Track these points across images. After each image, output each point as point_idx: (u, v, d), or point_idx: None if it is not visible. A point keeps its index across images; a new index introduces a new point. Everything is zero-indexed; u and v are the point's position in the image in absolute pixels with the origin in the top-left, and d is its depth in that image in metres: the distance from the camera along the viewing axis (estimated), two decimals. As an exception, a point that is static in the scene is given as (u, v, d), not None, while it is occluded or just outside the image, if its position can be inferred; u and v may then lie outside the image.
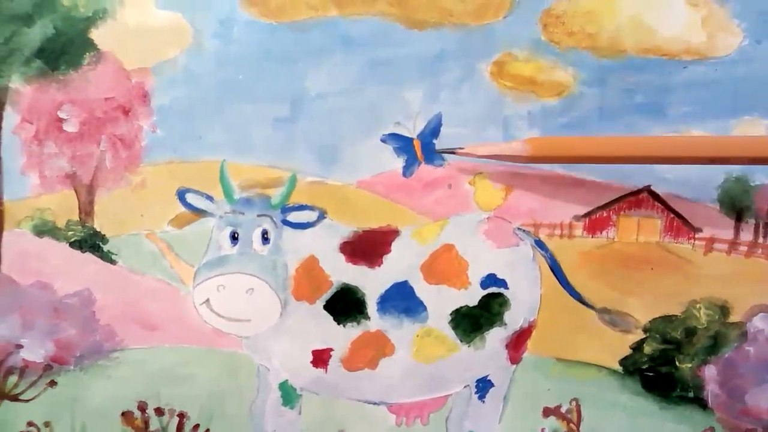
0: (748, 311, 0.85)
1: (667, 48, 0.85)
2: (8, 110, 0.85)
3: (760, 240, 0.86)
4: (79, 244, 0.85)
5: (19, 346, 0.84)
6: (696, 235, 0.86)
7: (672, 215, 0.86)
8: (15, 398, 0.84)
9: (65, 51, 0.84)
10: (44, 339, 0.85)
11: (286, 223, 0.83)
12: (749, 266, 0.85)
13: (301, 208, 0.84)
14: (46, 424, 0.83)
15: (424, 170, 0.86)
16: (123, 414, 0.84)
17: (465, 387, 0.85)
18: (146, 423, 0.84)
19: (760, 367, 0.84)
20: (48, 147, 0.85)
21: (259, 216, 0.82)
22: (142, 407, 0.84)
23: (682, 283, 0.85)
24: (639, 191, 0.86)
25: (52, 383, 0.84)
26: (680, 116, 0.85)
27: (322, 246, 0.84)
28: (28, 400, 0.84)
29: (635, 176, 0.85)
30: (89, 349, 0.85)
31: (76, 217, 0.85)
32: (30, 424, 0.83)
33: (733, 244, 0.86)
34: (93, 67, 0.85)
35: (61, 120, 0.85)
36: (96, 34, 0.85)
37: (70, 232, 0.85)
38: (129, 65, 0.85)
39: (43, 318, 0.84)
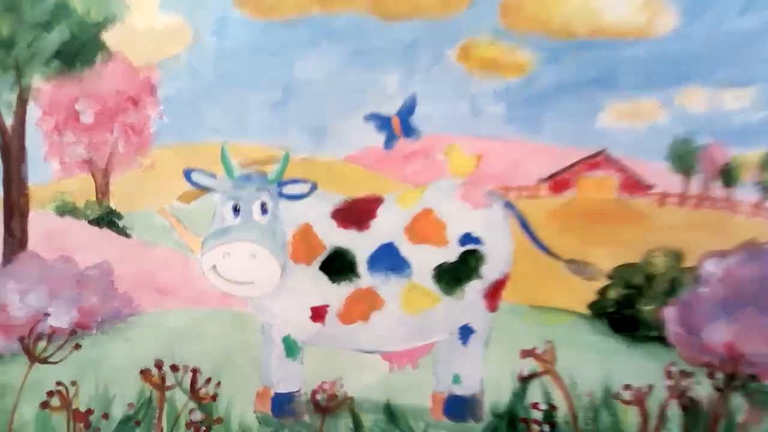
0: (700, 257, 0.90)
1: (614, 29, 0.93)
2: (31, 105, 0.92)
3: (707, 193, 0.93)
4: (97, 222, 0.92)
5: (47, 314, 0.90)
6: (649, 191, 0.93)
7: (627, 174, 0.93)
8: (44, 361, 0.89)
9: (80, 52, 0.92)
10: (69, 307, 0.90)
11: (282, 195, 0.88)
12: (699, 216, 0.92)
13: (295, 181, 0.89)
14: (73, 383, 0.88)
15: (403, 144, 0.92)
16: (142, 372, 0.88)
17: (449, 334, 0.90)
18: (163, 379, 0.88)
19: (714, 306, 0.89)
20: (67, 136, 0.93)
21: (257, 190, 0.88)
22: (159, 365, 0.88)
23: (639, 234, 0.91)
24: (596, 154, 0.93)
25: (77, 346, 0.89)
26: (629, 87, 0.92)
27: (316, 214, 0.90)
28: (56, 362, 0.89)
29: (592, 141, 0.92)
30: (109, 315, 0.91)
31: (93, 198, 0.93)
32: (59, 383, 0.87)
33: (683, 197, 0.93)
34: (105, 65, 0.92)
35: (77, 112, 0.92)
36: (107, 36, 0.93)
37: (89, 211, 0.92)
38: (137, 62, 0.93)
39: (67, 288, 0.90)
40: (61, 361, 0.90)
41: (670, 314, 0.91)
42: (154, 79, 0.91)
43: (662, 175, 0.93)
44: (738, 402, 0.89)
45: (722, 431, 0.89)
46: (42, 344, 0.90)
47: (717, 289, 0.90)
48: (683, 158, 0.93)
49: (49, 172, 0.91)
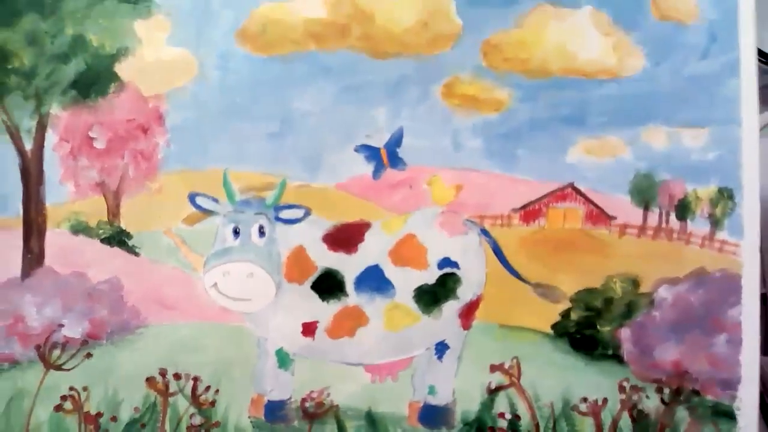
0: (654, 283, 0.96)
1: (586, 69, 0.97)
2: (49, 132, 0.96)
3: (664, 225, 0.98)
4: (109, 240, 0.96)
5: (61, 326, 0.95)
6: (611, 222, 0.98)
7: (592, 206, 0.97)
8: (59, 368, 0.94)
9: (95, 82, 0.96)
10: (81, 319, 0.95)
11: (278, 219, 0.94)
12: (655, 247, 0.97)
13: (291, 206, 0.94)
14: (84, 389, 0.94)
15: (390, 174, 0.97)
16: (147, 379, 0.94)
17: (426, 349, 0.96)
18: (166, 386, 0.94)
19: (665, 329, 0.96)
20: (81, 161, 0.96)
21: (256, 214, 0.93)
22: (163, 373, 0.94)
23: (601, 262, 0.97)
24: (564, 187, 0.97)
25: (89, 355, 0.94)
26: (598, 125, 0.97)
27: (308, 237, 0.95)
28: (69, 369, 0.94)
29: (561, 175, 0.97)
30: (118, 327, 0.95)
31: (105, 218, 0.96)
32: (71, 389, 0.93)
33: (642, 229, 0.98)
34: (117, 95, 0.96)
35: (91, 138, 0.96)
36: (119, 68, 0.96)
37: (101, 231, 0.96)
38: (147, 93, 0.96)
39: (80, 302, 0.95)
40: (73, 368, 0.95)
41: (625, 335, 0.97)
42: (162, 109, 0.94)
43: (624, 208, 0.97)
44: (682, 414, 0.95)
45: (667, 441, 0.95)
46: (56, 353, 0.95)
47: (668, 313, 0.96)
48: (644, 192, 0.97)
49: (64, 193, 0.94)
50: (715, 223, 0.97)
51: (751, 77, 0.98)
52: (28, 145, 0.95)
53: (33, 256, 0.95)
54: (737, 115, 0.97)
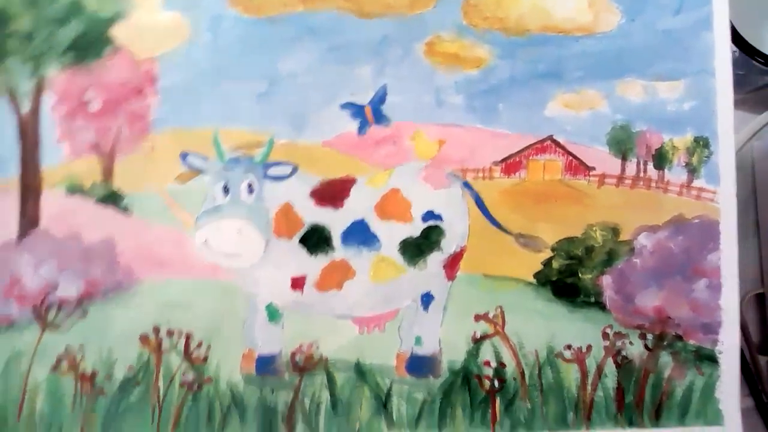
0: (634, 231, 0.91)
1: (562, 26, 0.91)
2: (45, 94, 0.90)
3: (642, 174, 0.91)
4: (103, 201, 0.90)
5: (57, 286, 0.89)
6: (590, 173, 0.92)
7: (571, 158, 0.92)
8: (55, 328, 0.88)
9: (91, 46, 0.90)
10: (77, 279, 0.89)
11: (266, 176, 0.88)
12: (634, 195, 0.92)
13: (279, 164, 0.89)
14: (80, 348, 0.87)
15: (375, 130, 0.91)
16: (141, 337, 0.87)
17: (412, 301, 0.90)
18: (159, 343, 0.87)
19: (645, 275, 0.90)
20: (77, 122, 0.90)
21: (245, 172, 0.88)
22: (156, 330, 0.87)
23: (581, 211, 0.91)
24: (544, 140, 0.91)
25: (84, 315, 0.88)
26: (574, 80, 0.91)
27: (296, 194, 0.89)
28: (65, 330, 0.88)
29: (540, 128, 0.91)
30: (112, 286, 0.89)
31: (99, 179, 0.90)
32: (67, 349, 0.87)
33: (620, 179, 0.92)
34: (111, 58, 0.90)
35: (87, 101, 0.90)
36: (114, 32, 0.90)
37: (95, 191, 0.90)
38: (140, 55, 0.90)
39: (75, 262, 0.89)
40: (69, 328, 0.89)
41: (607, 282, 0.91)
42: (154, 71, 0.88)
43: (602, 159, 0.91)
44: (665, 360, 0.90)
45: (651, 385, 0.89)
46: (53, 313, 0.88)
47: (648, 260, 0.90)
48: (621, 143, 0.91)
49: (60, 154, 0.88)
50: (692, 171, 0.91)
51: (724, 29, 0.91)
52: (25, 108, 0.89)
53: (28, 217, 0.88)
54: (711, 67, 0.91)
